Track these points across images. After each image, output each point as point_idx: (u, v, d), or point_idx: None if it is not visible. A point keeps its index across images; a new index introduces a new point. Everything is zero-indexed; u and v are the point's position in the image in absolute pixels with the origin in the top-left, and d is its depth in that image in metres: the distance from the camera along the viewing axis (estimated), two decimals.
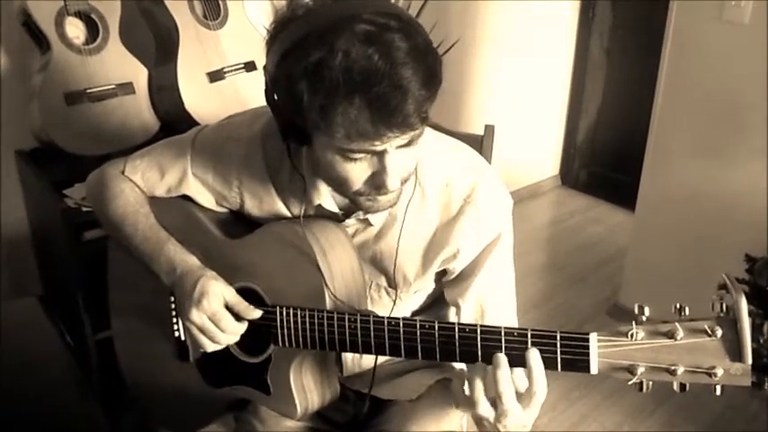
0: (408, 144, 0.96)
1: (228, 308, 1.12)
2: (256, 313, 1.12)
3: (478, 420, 0.97)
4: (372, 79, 0.87)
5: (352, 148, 0.94)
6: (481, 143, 1.50)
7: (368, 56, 0.87)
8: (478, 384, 0.94)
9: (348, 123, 0.89)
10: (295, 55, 0.91)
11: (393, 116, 0.89)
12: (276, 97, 0.98)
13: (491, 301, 1.18)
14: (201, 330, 1.12)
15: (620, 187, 3.60)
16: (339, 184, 1.03)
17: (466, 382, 0.97)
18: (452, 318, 1.29)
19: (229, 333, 1.12)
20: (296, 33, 0.91)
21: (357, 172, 0.98)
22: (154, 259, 1.20)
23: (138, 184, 1.28)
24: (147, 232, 1.22)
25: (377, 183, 0.99)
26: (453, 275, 1.18)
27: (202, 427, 1.27)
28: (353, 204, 1.07)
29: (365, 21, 0.88)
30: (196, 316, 1.10)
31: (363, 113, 0.88)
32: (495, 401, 0.94)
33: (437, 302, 1.27)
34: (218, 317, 1.11)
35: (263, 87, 1.00)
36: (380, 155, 0.96)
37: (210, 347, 1.14)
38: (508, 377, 0.93)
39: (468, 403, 0.96)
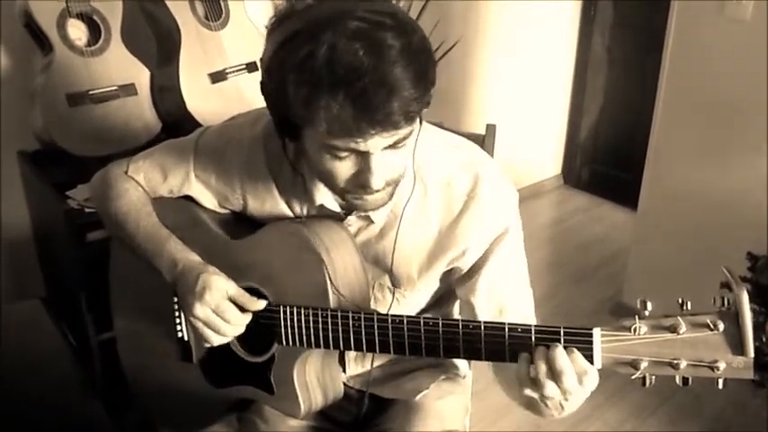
0: (394, 146, 0.96)
1: (232, 301, 1.12)
2: (260, 304, 1.11)
3: (534, 401, 0.99)
4: (356, 74, 0.87)
5: (337, 145, 0.94)
6: (483, 142, 1.49)
7: (354, 51, 0.87)
8: (542, 366, 0.93)
9: (330, 117, 0.89)
10: (287, 48, 0.92)
11: (376, 113, 0.88)
12: (269, 90, 0.98)
13: (506, 295, 1.16)
14: (206, 324, 1.11)
15: (623, 186, 3.59)
16: (326, 180, 1.04)
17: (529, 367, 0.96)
18: (457, 316, 1.29)
19: (234, 324, 1.11)
20: (291, 27, 0.92)
21: (342, 169, 0.98)
22: (156, 256, 1.20)
23: (141, 185, 1.28)
24: (149, 230, 1.22)
25: (361, 182, 0.99)
26: (461, 273, 1.17)
27: (205, 427, 1.27)
28: (344, 201, 1.08)
29: (358, 18, 0.89)
30: (200, 310, 1.10)
31: (346, 108, 0.88)
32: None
33: (441, 301, 1.27)
34: (221, 308, 1.10)
35: (260, 81, 1.00)
36: (365, 155, 0.95)
37: (217, 341, 1.13)
38: (565, 356, 0.92)
39: (535, 385, 0.94)
